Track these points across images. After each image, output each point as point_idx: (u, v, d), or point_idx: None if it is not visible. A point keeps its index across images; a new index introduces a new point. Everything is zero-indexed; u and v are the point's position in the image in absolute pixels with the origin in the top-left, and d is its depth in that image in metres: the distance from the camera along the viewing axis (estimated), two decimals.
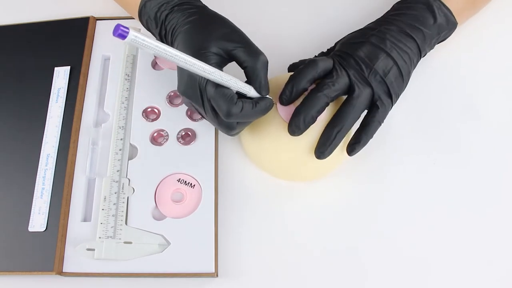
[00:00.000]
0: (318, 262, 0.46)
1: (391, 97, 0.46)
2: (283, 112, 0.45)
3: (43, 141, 0.51)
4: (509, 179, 0.49)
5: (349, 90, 0.45)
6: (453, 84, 0.54)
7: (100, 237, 0.46)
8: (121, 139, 0.50)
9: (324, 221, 0.48)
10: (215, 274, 0.45)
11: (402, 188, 0.49)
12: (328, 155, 0.45)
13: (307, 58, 0.51)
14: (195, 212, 0.47)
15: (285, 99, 0.45)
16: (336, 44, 0.51)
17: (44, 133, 0.51)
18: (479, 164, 0.50)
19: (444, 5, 0.50)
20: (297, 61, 0.52)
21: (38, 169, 0.49)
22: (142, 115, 0.52)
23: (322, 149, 0.44)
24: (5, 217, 0.48)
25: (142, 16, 0.49)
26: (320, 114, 0.44)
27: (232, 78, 0.40)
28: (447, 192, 0.49)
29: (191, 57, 0.37)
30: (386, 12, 0.51)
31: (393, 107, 0.47)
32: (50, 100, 0.53)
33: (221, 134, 0.52)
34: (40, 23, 0.58)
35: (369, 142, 0.46)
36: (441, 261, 0.46)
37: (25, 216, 0.48)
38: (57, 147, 0.50)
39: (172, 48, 0.35)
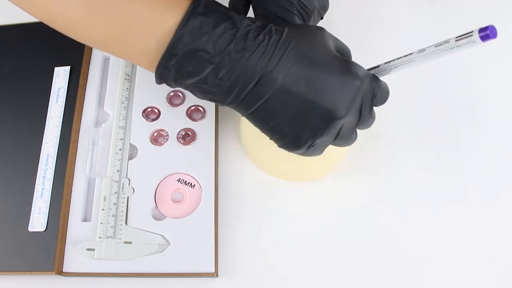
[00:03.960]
0: (318, 262, 0.46)
1: None
2: None
3: (43, 141, 0.51)
4: (510, 179, 0.49)
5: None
6: (453, 83, 0.54)
7: (100, 237, 0.46)
8: (121, 139, 0.50)
9: (324, 220, 0.48)
10: (215, 274, 0.45)
11: (402, 188, 0.49)
12: None
13: None
14: (195, 212, 0.47)
15: None
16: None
17: (44, 133, 0.51)
18: (479, 164, 0.50)
19: None
20: None
21: (38, 169, 0.49)
22: (142, 115, 0.52)
23: None
24: (5, 217, 0.48)
25: (178, 48, 0.34)
26: None
27: None
28: (447, 193, 0.49)
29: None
30: None
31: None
32: (50, 100, 0.53)
33: (221, 134, 0.52)
34: (40, 23, 0.58)
35: (370, 143, 0.44)
36: (442, 261, 0.46)
37: (25, 216, 0.48)
38: (57, 147, 0.50)
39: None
